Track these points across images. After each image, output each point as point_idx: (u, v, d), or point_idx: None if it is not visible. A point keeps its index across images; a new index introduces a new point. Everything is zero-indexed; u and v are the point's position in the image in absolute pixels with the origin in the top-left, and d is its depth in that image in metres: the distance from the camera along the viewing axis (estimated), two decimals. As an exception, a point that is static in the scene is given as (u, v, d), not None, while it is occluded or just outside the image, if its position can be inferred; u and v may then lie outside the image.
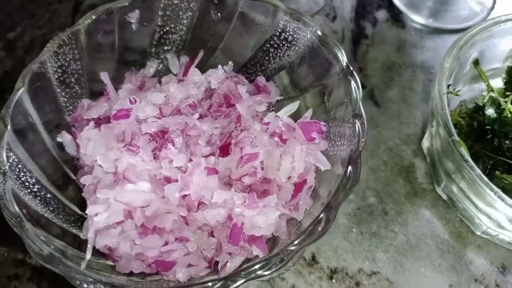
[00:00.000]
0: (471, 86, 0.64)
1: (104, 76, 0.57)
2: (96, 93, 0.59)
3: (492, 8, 0.79)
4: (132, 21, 0.59)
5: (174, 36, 0.62)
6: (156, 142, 0.52)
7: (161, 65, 0.64)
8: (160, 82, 0.61)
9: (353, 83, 0.49)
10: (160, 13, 0.59)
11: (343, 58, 0.51)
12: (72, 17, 0.81)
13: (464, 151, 0.48)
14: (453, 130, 0.49)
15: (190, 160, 0.49)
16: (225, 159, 0.49)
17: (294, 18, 0.55)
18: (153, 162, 0.49)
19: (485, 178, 0.46)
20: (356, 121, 0.46)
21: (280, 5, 0.56)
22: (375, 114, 0.66)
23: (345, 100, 0.48)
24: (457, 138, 0.48)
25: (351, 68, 0.50)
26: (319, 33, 0.53)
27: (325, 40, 0.53)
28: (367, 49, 0.74)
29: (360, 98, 0.47)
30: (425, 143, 0.61)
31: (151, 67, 0.63)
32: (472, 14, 0.79)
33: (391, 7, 0.79)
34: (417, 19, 0.77)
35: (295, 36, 0.57)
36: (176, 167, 0.48)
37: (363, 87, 0.69)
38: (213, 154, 0.51)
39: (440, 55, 0.73)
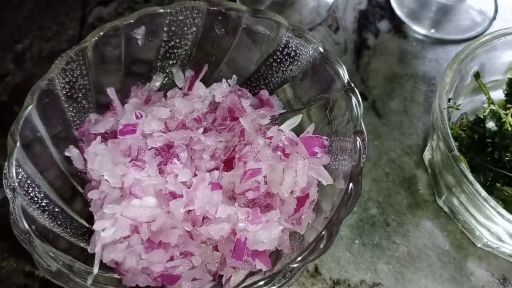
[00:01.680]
0: (472, 98, 0.64)
1: (111, 92, 0.58)
2: (103, 106, 0.60)
3: (494, 18, 0.80)
4: (138, 37, 0.60)
5: (179, 50, 0.63)
6: (162, 157, 0.53)
7: (166, 79, 0.65)
8: (165, 96, 0.62)
9: (354, 100, 0.49)
10: (165, 29, 0.61)
11: (345, 74, 0.52)
12: (80, 29, 0.83)
13: (464, 166, 0.48)
14: (453, 145, 0.50)
15: (195, 174, 0.50)
16: (229, 173, 0.51)
17: (296, 34, 0.56)
18: (159, 177, 0.50)
19: (484, 193, 0.47)
20: (357, 137, 0.47)
21: (283, 22, 0.57)
22: (377, 125, 0.67)
23: (347, 116, 0.49)
24: (457, 154, 0.49)
25: (352, 84, 0.51)
26: (321, 49, 0.54)
27: (327, 57, 0.54)
28: (369, 60, 0.75)
29: (361, 114, 0.48)
30: (427, 155, 0.61)
31: (157, 81, 0.64)
32: (473, 25, 0.79)
33: (393, 18, 0.80)
34: (419, 29, 0.78)
35: (297, 51, 0.58)
36: (181, 182, 0.50)
37: (365, 98, 0.70)
38: (217, 168, 0.52)
39: (442, 66, 0.74)
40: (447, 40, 0.77)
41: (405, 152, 0.64)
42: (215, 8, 0.60)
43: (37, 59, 0.79)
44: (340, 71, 0.53)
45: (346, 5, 0.83)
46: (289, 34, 0.57)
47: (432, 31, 0.78)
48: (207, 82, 0.63)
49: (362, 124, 0.48)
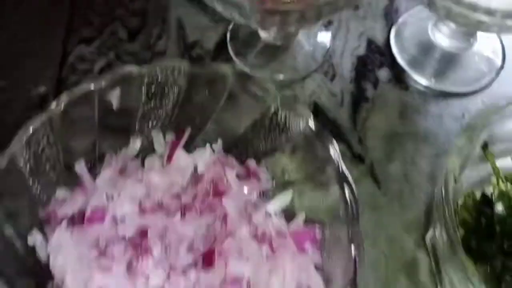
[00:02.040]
0: (480, 166, 0.58)
1: (80, 168, 0.53)
2: (74, 176, 0.55)
3: (502, 67, 0.74)
4: (113, 101, 0.55)
5: (159, 111, 0.58)
6: (133, 248, 0.47)
7: (145, 142, 0.59)
8: (143, 163, 0.57)
9: (348, 193, 0.44)
10: (143, 90, 0.56)
11: (340, 162, 0.46)
12: (59, 69, 0.77)
13: (471, 272, 0.43)
14: (460, 248, 0.44)
15: (168, 274, 0.45)
16: (208, 275, 0.45)
17: (286, 107, 0.51)
18: (127, 281, 0.44)
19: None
20: (352, 245, 0.41)
21: (271, 90, 0.52)
22: (375, 195, 0.61)
23: (340, 213, 0.44)
24: (464, 256, 0.43)
25: (347, 173, 0.45)
26: (312, 127, 0.49)
27: (319, 135, 0.48)
28: (367, 115, 0.69)
29: (357, 215, 0.43)
30: (428, 237, 0.56)
31: (134, 145, 0.58)
32: (479, 75, 0.73)
33: (394, 66, 0.74)
34: (421, 80, 0.72)
35: (287, 122, 0.53)
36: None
37: (362, 161, 0.64)
38: (195, 264, 0.46)
39: (445, 123, 0.68)
40: (451, 93, 0.71)
41: (405, 229, 0.58)
42: (198, 71, 0.55)
43: (11, 104, 0.73)
44: (333, 153, 0.47)
45: (344, 49, 0.77)
46: (278, 104, 0.52)
47: (435, 81, 0.72)
48: (190, 146, 0.58)
49: (359, 226, 0.42)
